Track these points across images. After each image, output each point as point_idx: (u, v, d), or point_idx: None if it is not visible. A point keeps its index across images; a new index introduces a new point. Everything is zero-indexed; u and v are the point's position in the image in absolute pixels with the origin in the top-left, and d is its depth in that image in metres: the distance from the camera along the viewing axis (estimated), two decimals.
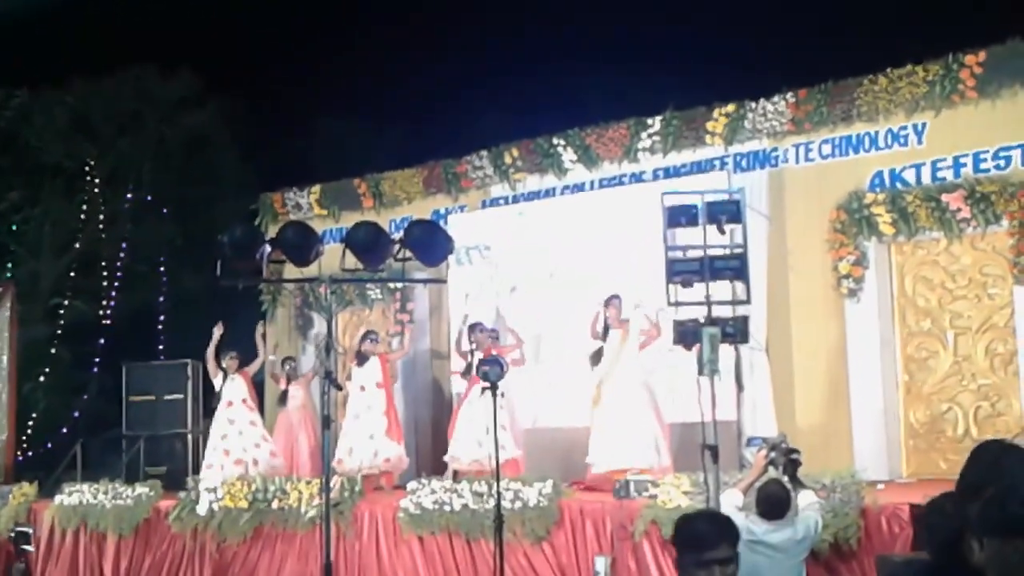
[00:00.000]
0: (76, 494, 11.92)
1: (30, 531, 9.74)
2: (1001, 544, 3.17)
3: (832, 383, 10.95)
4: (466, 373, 11.25)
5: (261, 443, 12.26)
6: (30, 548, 9.83)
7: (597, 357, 10.56)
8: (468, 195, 13.98)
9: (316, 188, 15.21)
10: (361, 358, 12.14)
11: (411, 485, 9.78)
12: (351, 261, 7.57)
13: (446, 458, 11.34)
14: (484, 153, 13.71)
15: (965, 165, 10.46)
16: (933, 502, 4.18)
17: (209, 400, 13.52)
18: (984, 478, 3.81)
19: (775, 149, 11.71)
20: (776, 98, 11.62)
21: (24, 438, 17.82)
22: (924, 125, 10.81)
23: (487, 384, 8.13)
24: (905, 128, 10.93)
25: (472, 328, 11.61)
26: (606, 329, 10.61)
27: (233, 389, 12.42)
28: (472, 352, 11.34)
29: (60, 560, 11.69)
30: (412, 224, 7.87)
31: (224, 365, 12.53)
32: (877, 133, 11.10)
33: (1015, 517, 3.16)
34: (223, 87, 21.48)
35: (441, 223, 12.61)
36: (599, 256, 12.04)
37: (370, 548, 9.72)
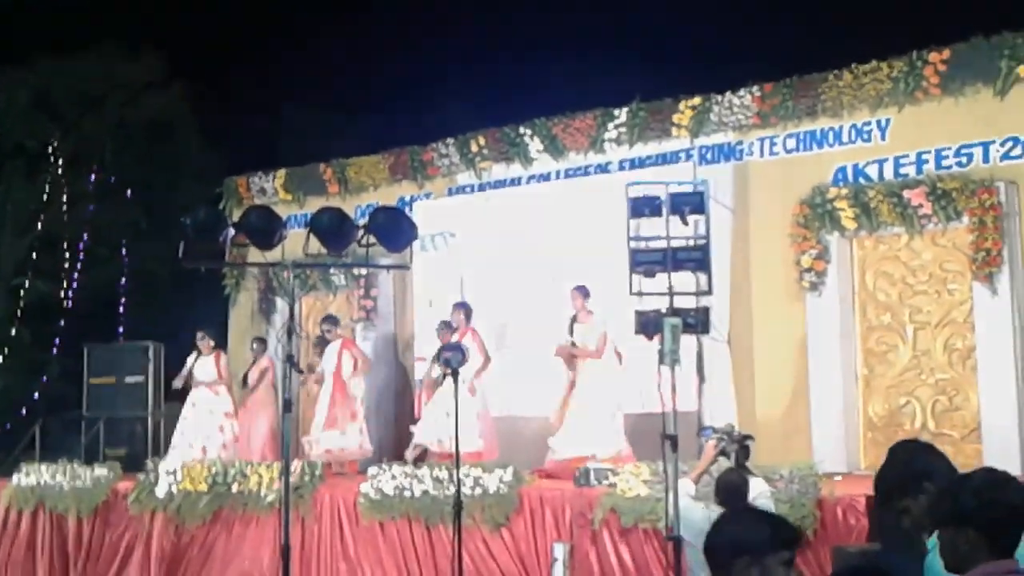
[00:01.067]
0: (34, 475, 11.84)
1: None
2: (954, 534, 3.26)
3: (793, 375, 11.04)
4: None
5: (217, 432, 12.25)
6: None
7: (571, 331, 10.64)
8: (434, 182, 13.98)
9: (281, 173, 15.17)
10: (322, 342, 12.16)
11: (371, 470, 9.79)
12: (315, 246, 7.56)
13: (413, 431, 11.34)
14: (451, 141, 13.72)
15: (927, 162, 10.56)
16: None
17: (169, 384, 13.48)
18: (904, 476, 3.90)
19: (740, 142, 11.77)
20: (742, 91, 11.68)
21: None
22: (888, 121, 10.90)
23: (448, 370, 8.15)
24: (869, 124, 11.01)
25: (457, 307, 11.70)
26: (572, 319, 10.65)
27: (201, 370, 12.42)
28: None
29: (17, 541, 11.61)
30: (376, 210, 7.87)
31: (198, 345, 12.51)
32: (841, 128, 11.18)
33: (966, 507, 3.25)
34: (189, 70, 21.32)
35: (407, 210, 12.63)
36: (565, 246, 12.06)
37: (330, 533, 9.71)
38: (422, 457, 11.00)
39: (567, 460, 10.19)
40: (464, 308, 11.68)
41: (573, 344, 10.63)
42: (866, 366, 10.93)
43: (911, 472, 3.89)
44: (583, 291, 10.71)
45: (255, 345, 13.20)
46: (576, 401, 10.44)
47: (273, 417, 12.42)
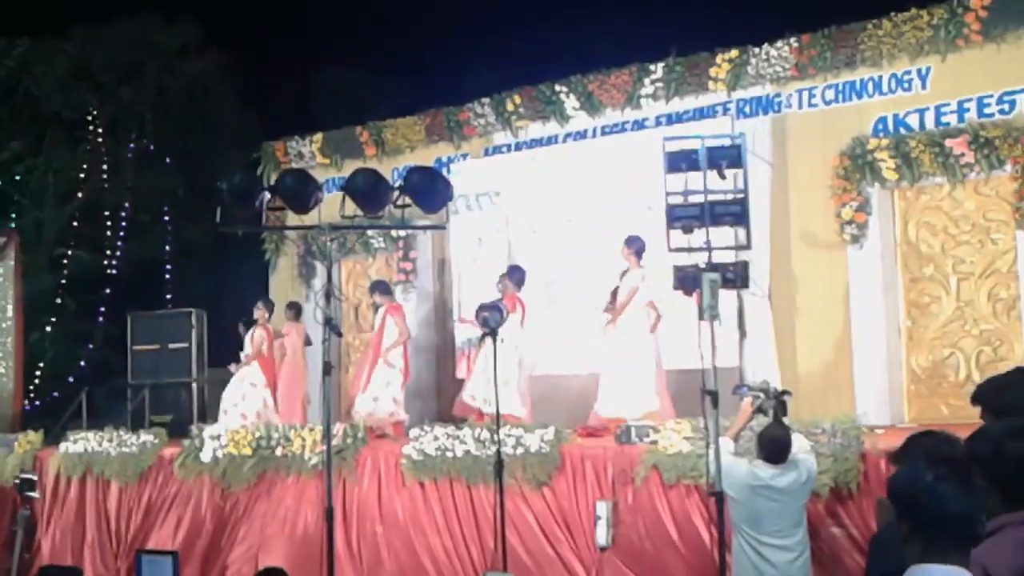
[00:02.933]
0: (81, 442, 11.99)
1: (35, 478, 9.79)
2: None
3: (835, 329, 10.95)
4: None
5: (252, 395, 12.32)
6: (35, 495, 9.88)
7: (615, 295, 10.55)
8: (470, 143, 13.94)
9: (318, 136, 15.18)
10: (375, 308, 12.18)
11: (413, 432, 9.83)
12: (351, 208, 7.56)
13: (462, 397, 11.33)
14: (486, 100, 13.66)
15: (969, 110, 10.39)
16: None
17: (215, 349, 13.56)
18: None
19: (778, 95, 11.64)
20: (779, 43, 11.54)
21: (31, 387, 17.91)
22: (928, 70, 10.73)
23: (486, 330, 8.15)
24: (909, 73, 10.85)
25: (512, 271, 11.56)
26: (624, 272, 10.55)
27: (256, 339, 12.50)
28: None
29: (65, 507, 11.79)
30: (411, 171, 7.86)
31: (255, 316, 12.57)
32: (881, 78, 11.02)
33: (981, 458, 3.21)
34: (224, 35, 21.34)
35: (444, 171, 12.60)
36: (603, 203, 12.01)
37: (372, 494, 9.77)
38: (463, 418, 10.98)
39: (607, 420, 10.17)
40: (514, 274, 11.49)
41: (611, 306, 10.54)
42: (909, 318, 10.82)
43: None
44: (629, 242, 10.54)
45: (287, 310, 13.28)
46: (614, 360, 10.38)
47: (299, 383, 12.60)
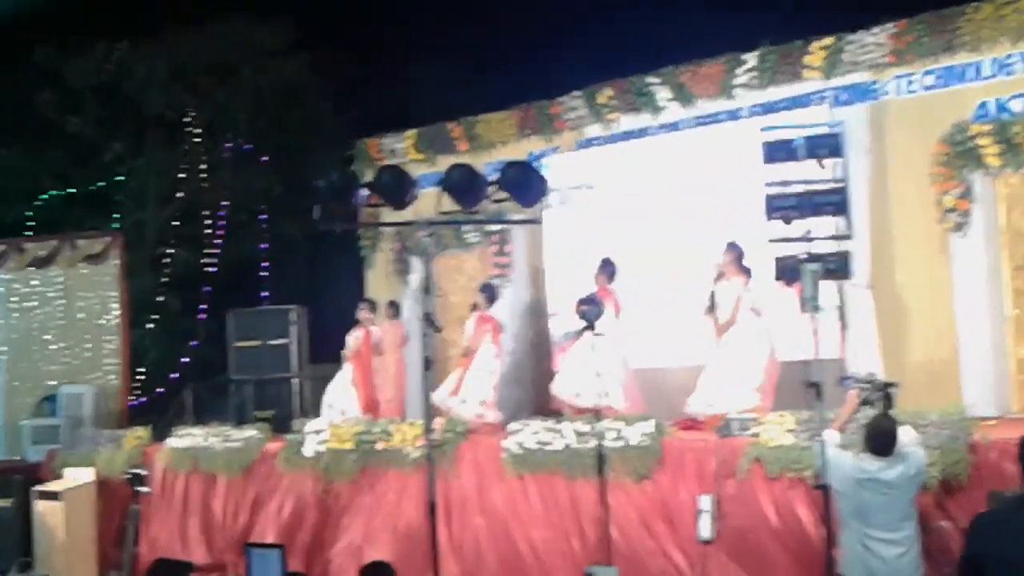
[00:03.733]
0: (187, 437, 12.21)
1: (145, 473, 10.03)
2: None
3: (938, 319, 10.77)
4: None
5: (347, 393, 12.45)
6: (145, 489, 10.12)
7: (711, 302, 10.43)
8: (562, 136, 13.96)
9: (411, 133, 15.30)
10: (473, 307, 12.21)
11: (513, 426, 9.86)
12: (447, 204, 7.62)
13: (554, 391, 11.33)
14: (578, 93, 13.66)
15: None
16: None
17: (315, 345, 13.74)
18: None
19: (875, 82, 11.48)
20: (876, 29, 11.38)
21: (136, 385, 18.30)
22: None
23: (585, 323, 8.17)
24: (1011, 56, 10.63)
25: (604, 264, 11.43)
26: (719, 275, 10.45)
27: (352, 339, 12.63)
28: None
29: (173, 501, 12.02)
30: (507, 165, 7.86)
31: (359, 317, 12.70)
32: (981, 62, 10.81)
33: None
34: (317, 35, 21.60)
35: (537, 165, 12.61)
36: (697, 195, 11.96)
37: (473, 488, 9.83)
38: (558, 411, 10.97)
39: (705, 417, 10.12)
40: (605, 268, 11.37)
41: (711, 310, 10.42)
42: (1015, 306, 10.59)
43: None
44: (731, 248, 10.31)
45: (390, 308, 13.39)
46: (719, 360, 10.28)
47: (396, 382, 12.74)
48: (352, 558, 10.36)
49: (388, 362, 13.07)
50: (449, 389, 11.77)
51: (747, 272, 10.15)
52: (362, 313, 12.72)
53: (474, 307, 12.13)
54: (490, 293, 12.11)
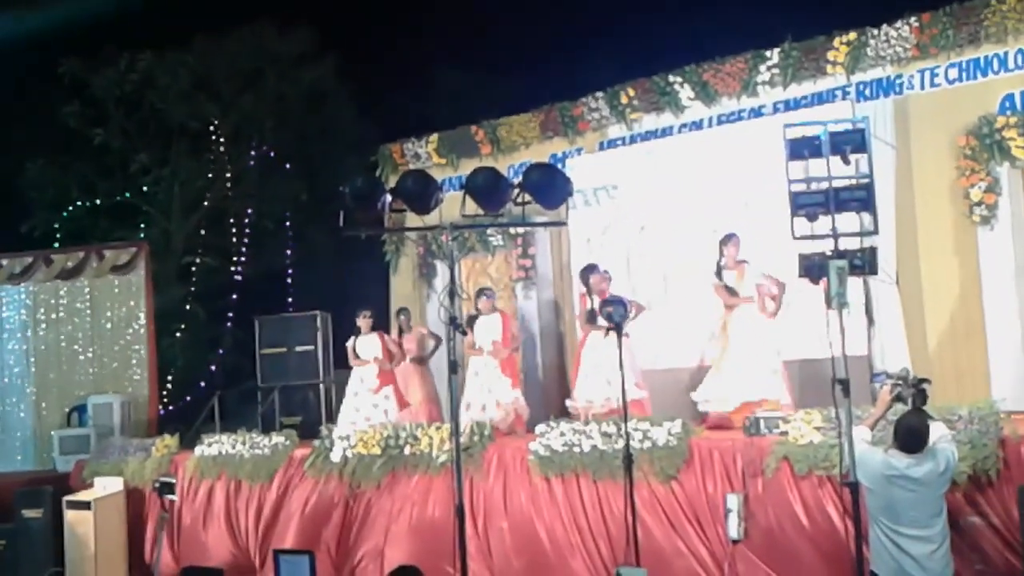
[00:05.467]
0: (215, 445, 12.24)
1: (174, 481, 10.05)
2: None
3: (966, 313, 10.69)
4: (590, 319, 11.14)
5: (385, 399, 12.38)
6: (174, 497, 10.15)
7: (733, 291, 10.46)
8: (585, 137, 13.95)
9: (434, 137, 15.32)
10: (471, 319, 12.08)
11: (540, 428, 9.84)
12: (471, 207, 7.61)
13: (568, 403, 11.34)
14: (600, 94, 13.65)
15: None
16: None
17: (340, 351, 13.73)
18: None
19: (899, 76, 11.42)
20: (899, 23, 11.33)
21: (164, 393, 18.39)
22: None
23: (611, 325, 8.14)
24: None
25: (586, 271, 11.49)
26: (719, 270, 10.49)
27: (365, 347, 12.52)
28: (590, 295, 11.28)
29: (201, 509, 12.05)
30: (531, 167, 7.84)
31: (358, 323, 12.64)
32: (1007, 54, 10.74)
33: None
34: (339, 41, 21.68)
35: (560, 166, 12.60)
36: (722, 193, 11.92)
37: (500, 490, 9.81)
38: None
39: (725, 412, 10.10)
40: (591, 271, 11.39)
41: (728, 288, 10.46)
42: None
43: None
44: (728, 239, 10.50)
45: (401, 317, 13.38)
46: (731, 352, 10.28)
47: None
48: (378, 562, 10.38)
49: (415, 372, 13.06)
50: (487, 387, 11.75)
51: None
52: (363, 320, 12.63)
53: (477, 310, 12.08)
54: (490, 293, 12.18)
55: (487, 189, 7.52)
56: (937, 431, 6.56)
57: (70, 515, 12.05)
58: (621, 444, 8.42)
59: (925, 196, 11.06)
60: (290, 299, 20.32)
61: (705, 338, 11.58)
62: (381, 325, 12.96)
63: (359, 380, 12.47)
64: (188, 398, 18.77)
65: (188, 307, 20.42)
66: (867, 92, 11.61)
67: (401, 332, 13.22)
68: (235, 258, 21.09)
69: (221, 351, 20.19)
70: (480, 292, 12.19)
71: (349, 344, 12.64)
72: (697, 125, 12.95)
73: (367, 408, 12.27)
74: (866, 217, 8.09)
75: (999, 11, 10.66)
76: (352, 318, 12.76)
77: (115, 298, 15.94)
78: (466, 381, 11.78)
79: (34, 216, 21.13)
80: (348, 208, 7.79)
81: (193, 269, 21.03)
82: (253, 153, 22.20)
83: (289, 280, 21.06)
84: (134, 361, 15.75)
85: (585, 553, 9.15)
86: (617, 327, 8.13)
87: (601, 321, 9.69)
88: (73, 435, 14.58)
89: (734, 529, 8.28)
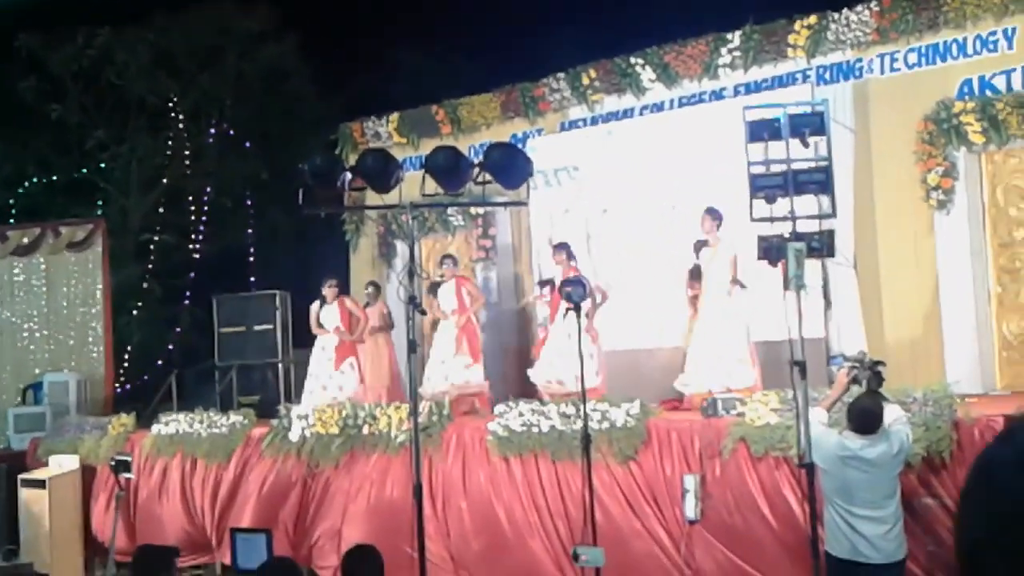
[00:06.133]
0: (172, 423, 12.18)
1: (130, 459, 9.97)
2: None
3: (922, 297, 10.79)
4: (544, 285, 11.17)
5: (347, 371, 12.28)
6: (130, 476, 10.07)
7: (695, 274, 10.47)
8: (546, 118, 13.94)
9: (394, 116, 15.26)
10: (433, 286, 12.09)
11: (499, 408, 9.84)
12: (431, 186, 7.57)
13: (530, 372, 11.31)
14: (561, 75, 13.64)
15: None
16: None
17: (299, 330, 13.66)
18: None
19: (859, 60, 11.48)
20: (860, 7, 11.37)
21: (121, 371, 18.26)
22: (1014, 30, 10.51)
23: (570, 305, 8.15)
24: (995, 33, 10.63)
25: (558, 248, 11.46)
26: (701, 243, 10.45)
27: (328, 316, 12.39)
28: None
29: (158, 487, 11.99)
30: (491, 147, 7.81)
31: (323, 292, 12.50)
32: (965, 40, 10.81)
33: None
34: (300, 19, 21.51)
35: (521, 147, 12.57)
36: (682, 175, 11.94)
37: (458, 470, 9.82)
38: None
39: (694, 396, 10.12)
40: (563, 249, 11.33)
41: (695, 275, 10.48)
42: (999, 284, 10.62)
43: None
44: (712, 213, 10.35)
45: (369, 289, 13.32)
46: (701, 335, 10.30)
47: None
48: (335, 541, 10.37)
49: (378, 345, 13.01)
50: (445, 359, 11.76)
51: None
52: (328, 289, 12.40)
53: (440, 276, 12.09)
54: (452, 260, 12.16)
55: (447, 168, 7.49)
56: (892, 413, 6.62)
57: (25, 493, 11.98)
58: (579, 425, 8.43)
59: (883, 180, 11.13)
60: (252, 278, 20.19)
61: (665, 319, 11.60)
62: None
63: (320, 348, 12.38)
64: (145, 377, 18.64)
65: (146, 285, 20.27)
66: (827, 76, 11.66)
67: (367, 305, 13.12)
68: (193, 236, 20.93)
69: (179, 329, 20.06)
70: (443, 259, 12.19)
71: (313, 308, 12.44)
72: (658, 107, 12.97)
73: (328, 382, 12.17)
74: (824, 200, 8.14)
75: None
76: (311, 298, 12.66)
77: (71, 275, 15.82)
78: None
79: None
80: (307, 186, 7.74)
81: (151, 247, 20.85)
82: (212, 131, 22.01)
83: (252, 259, 20.92)
84: (90, 339, 15.65)
85: (544, 533, 9.17)
86: (576, 307, 8.14)
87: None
88: (28, 413, 14.46)
89: (691, 510, 8.32)
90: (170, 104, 21.67)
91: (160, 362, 19.01)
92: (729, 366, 9.94)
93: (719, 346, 10.03)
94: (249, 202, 21.70)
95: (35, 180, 21.39)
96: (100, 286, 15.71)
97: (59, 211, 19.62)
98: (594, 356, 10.69)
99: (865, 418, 6.46)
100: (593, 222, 12.78)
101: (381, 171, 7.58)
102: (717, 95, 12.48)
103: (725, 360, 9.98)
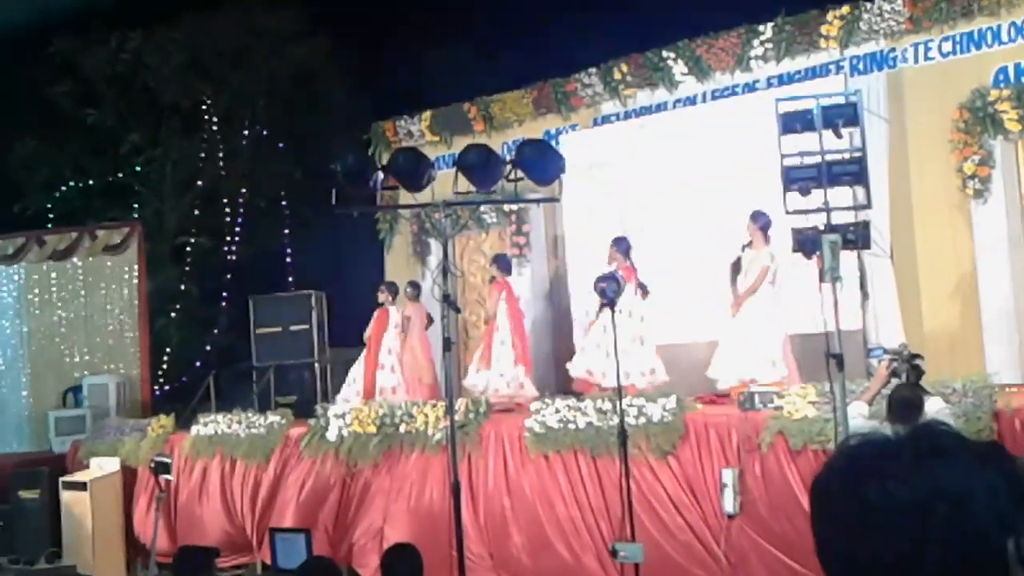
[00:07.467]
0: (211, 425, 12.26)
1: (170, 461, 10.05)
2: None
3: (960, 287, 10.70)
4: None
5: (389, 374, 12.40)
6: (170, 477, 10.15)
7: (736, 268, 10.41)
8: (579, 113, 13.91)
9: (427, 114, 15.27)
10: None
11: (535, 405, 9.85)
12: (463, 184, 7.60)
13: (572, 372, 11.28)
14: (593, 70, 13.61)
15: None
16: None
17: (336, 329, 13.72)
18: None
19: (892, 50, 11.38)
20: None
21: (160, 373, 18.37)
22: None
23: (604, 301, 8.15)
24: None
25: (616, 242, 11.24)
26: (746, 244, 10.36)
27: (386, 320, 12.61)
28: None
29: (197, 488, 12.07)
30: (522, 144, 7.86)
31: (380, 300, 12.67)
32: (1000, 27, 10.70)
33: None
34: (331, 18, 21.52)
35: (553, 143, 12.56)
36: (716, 168, 11.89)
37: (497, 468, 9.83)
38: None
39: (732, 387, 10.07)
40: (620, 244, 11.20)
41: (735, 276, 10.38)
42: None
43: None
44: (755, 218, 10.23)
45: (410, 289, 13.36)
46: (736, 328, 10.25)
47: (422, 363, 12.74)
48: (376, 540, 10.40)
49: (415, 345, 13.05)
50: (477, 364, 11.76)
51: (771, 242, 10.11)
52: (382, 295, 12.71)
53: (492, 279, 12.15)
54: (504, 263, 12.16)
55: (479, 166, 7.52)
56: (935, 405, 6.57)
57: (67, 496, 12.08)
58: (617, 421, 8.43)
59: (918, 170, 11.05)
60: (291, 279, 20.29)
61: (700, 313, 11.56)
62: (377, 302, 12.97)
63: (387, 352, 12.52)
64: (184, 378, 18.74)
65: (182, 287, 20.37)
66: (860, 66, 11.58)
67: (381, 305, 13.11)
68: (229, 238, 21.03)
69: (216, 331, 20.16)
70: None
71: (391, 313, 12.79)
72: (690, 100, 12.93)
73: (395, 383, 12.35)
74: (859, 191, 8.11)
75: None
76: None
77: (108, 278, 15.92)
78: None
79: (26, 197, 21.03)
80: (340, 186, 7.78)
81: (187, 249, 20.96)
82: (245, 132, 22.09)
83: (288, 260, 21.01)
84: (128, 341, 15.75)
85: (584, 529, 9.19)
86: (610, 303, 8.13)
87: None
88: (69, 416, 14.59)
89: (730, 504, 8.30)
90: (203, 106, 21.76)
91: (198, 363, 19.09)
92: (759, 365, 9.87)
93: (752, 342, 9.97)
94: (284, 203, 21.77)
95: (71, 184, 21.53)
96: (137, 289, 15.81)
97: (95, 215, 19.77)
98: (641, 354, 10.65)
99: (905, 408, 6.41)
100: (628, 217, 12.73)
101: (412, 171, 7.63)
102: (750, 87, 12.43)
103: (756, 358, 9.91)
